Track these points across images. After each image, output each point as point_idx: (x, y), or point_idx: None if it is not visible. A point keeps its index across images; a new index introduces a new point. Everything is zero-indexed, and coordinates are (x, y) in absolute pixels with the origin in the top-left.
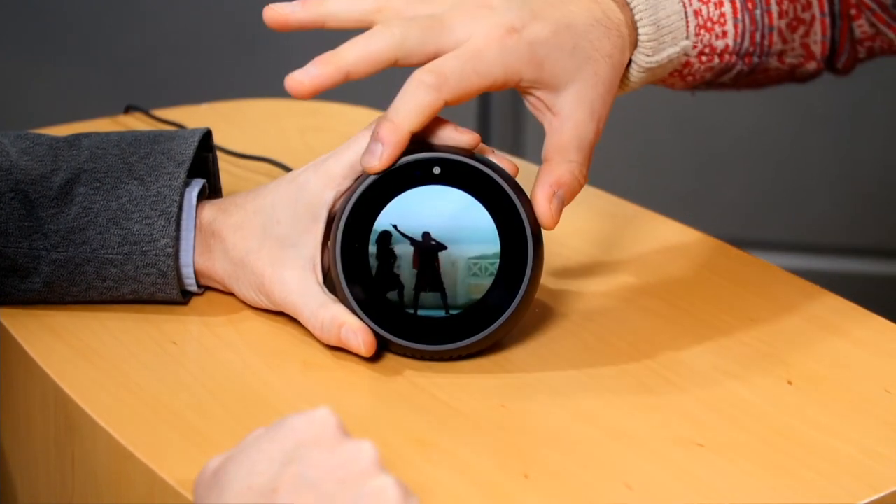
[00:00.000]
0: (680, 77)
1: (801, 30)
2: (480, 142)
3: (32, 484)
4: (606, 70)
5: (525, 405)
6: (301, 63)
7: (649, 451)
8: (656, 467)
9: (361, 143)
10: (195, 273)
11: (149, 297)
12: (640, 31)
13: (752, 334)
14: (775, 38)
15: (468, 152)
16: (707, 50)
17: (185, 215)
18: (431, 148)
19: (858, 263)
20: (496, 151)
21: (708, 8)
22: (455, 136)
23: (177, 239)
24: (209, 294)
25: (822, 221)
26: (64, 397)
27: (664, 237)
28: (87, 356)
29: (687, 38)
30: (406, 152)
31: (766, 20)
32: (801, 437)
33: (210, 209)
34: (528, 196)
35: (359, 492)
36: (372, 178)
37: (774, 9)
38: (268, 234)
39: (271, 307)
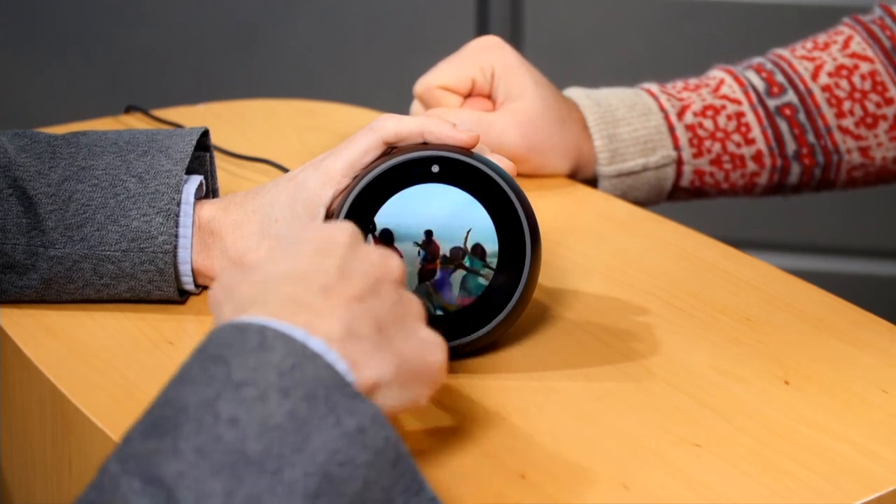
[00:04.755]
0: (713, 185)
1: (884, 124)
2: (479, 141)
3: (30, 484)
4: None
5: (522, 405)
6: (299, 63)
7: (646, 451)
8: (653, 467)
9: (360, 142)
10: (193, 272)
11: (146, 294)
12: (595, 143)
13: (749, 334)
14: (838, 136)
15: (467, 151)
16: (727, 158)
17: (182, 213)
18: (430, 146)
19: (857, 264)
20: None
21: (715, 121)
22: (454, 135)
23: (175, 236)
24: (206, 293)
25: (820, 222)
26: (60, 398)
27: (662, 237)
28: (83, 356)
29: (676, 149)
30: (405, 150)
31: (820, 122)
32: (798, 437)
33: (209, 208)
34: (527, 195)
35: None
36: (370, 176)
37: (828, 111)
38: (266, 232)
39: None
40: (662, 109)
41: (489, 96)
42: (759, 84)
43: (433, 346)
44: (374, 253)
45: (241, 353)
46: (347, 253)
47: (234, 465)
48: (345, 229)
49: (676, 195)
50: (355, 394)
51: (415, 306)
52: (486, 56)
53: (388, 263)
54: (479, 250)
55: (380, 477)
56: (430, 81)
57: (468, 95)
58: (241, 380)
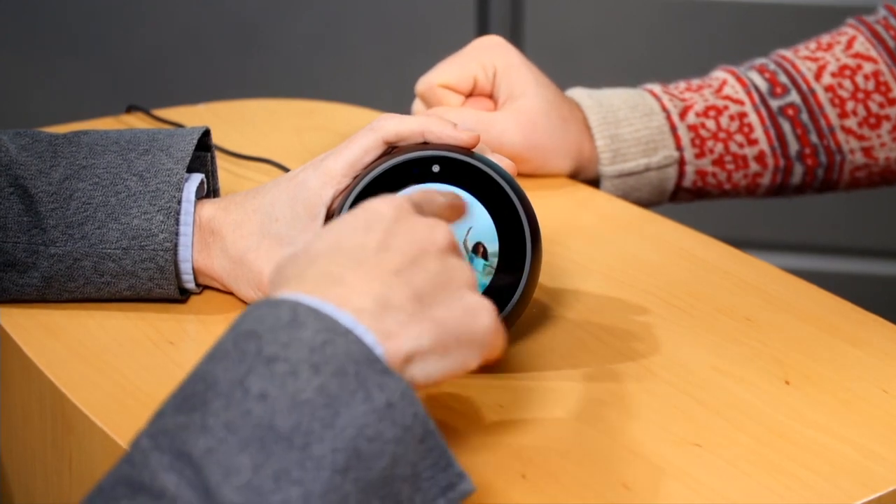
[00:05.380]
0: (715, 185)
1: (888, 125)
2: (480, 141)
3: (29, 484)
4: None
5: (523, 405)
6: (300, 63)
7: (647, 451)
8: (654, 467)
9: (360, 142)
10: (193, 271)
11: (146, 293)
12: (597, 143)
13: (749, 334)
14: (841, 136)
15: (467, 151)
16: (730, 158)
17: (183, 211)
18: (431, 146)
19: (857, 264)
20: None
21: (718, 121)
22: (454, 134)
23: (175, 234)
24: (207, 293)
25: (821, 222)
26: (61, 397)
27: (663, 237)
28: (84, 356)
29: (678, 149)
30: (405, 150)
31: (823, 122)
32: (798, 437)
33: (209, 207)
34: (527, 195)
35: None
36: (371, 176)
37: (831, 111)
38: (266, 232)
39: None
40: (665, 110)
41: (491, 95)
42: (762, 84)
43: (480, 311)
44: (420, 224)
45: (273, 328)
46: (391, 226)
47: (263, 439)
48: (391, 202)
49: (679, 196)
50: (385, 369)
51: (461, 273)
52: (489, 55)
53: (433, 233)
54: (479, 250)
55: (408, 452)
56: (432, 80)
57: (470, 94)
58: (272, 355)
